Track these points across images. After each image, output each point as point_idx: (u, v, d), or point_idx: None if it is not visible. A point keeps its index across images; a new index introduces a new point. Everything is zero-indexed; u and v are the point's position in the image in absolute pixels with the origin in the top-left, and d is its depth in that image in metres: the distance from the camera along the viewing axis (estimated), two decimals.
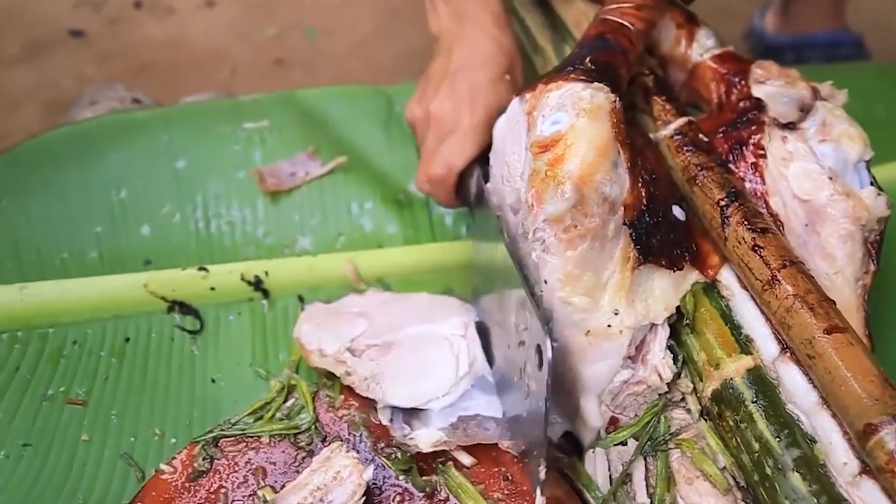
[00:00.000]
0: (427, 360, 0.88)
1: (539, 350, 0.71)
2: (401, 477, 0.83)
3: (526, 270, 0.80)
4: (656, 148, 0.81)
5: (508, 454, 0.84)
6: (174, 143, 1.16)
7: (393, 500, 0.82)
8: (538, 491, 0.75)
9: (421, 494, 0.82)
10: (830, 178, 0.77)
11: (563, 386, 0.80)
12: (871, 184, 0.78)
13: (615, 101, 0.73)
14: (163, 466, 0.84)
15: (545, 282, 0.73)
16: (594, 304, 0.73)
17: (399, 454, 0.84)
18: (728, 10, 0.82)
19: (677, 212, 0.77)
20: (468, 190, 0.95)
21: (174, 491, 0.83)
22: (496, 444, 0.84)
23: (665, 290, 0.75)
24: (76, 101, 1.50)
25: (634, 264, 0.73)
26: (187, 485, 0.83)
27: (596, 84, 0.73)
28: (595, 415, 0.77)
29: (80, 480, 0.87)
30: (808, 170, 0.78)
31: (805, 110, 0.81)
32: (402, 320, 0.94)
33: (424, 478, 0.83)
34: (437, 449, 0.83)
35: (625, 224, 0.73)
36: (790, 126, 0.81)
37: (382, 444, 0.86)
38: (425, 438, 0.83)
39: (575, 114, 0.71)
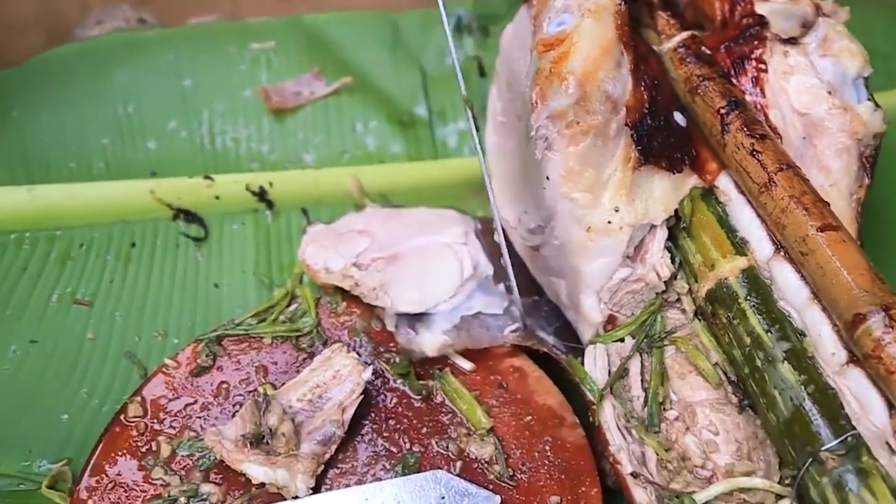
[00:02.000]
0: (432, 268, 0.90)
1: None
2: (398, 381, 0.85)
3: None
4: (660, 58, 0.82)
5: (504, 363, 0.86)
6: (181, 62, 1.17)
7: (390, 403, 0.84)
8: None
9: (418, 397, 0.84)
10: (829, 93, 0.78)
11: (561, 281, 0.82)
12: (869, 99, 0.79)
13: (620, 4, 0.74)
14: (167, 361, 0.86)
15: (547, 178, 0.75)
16: (595, 201, 0.75)
17: (398, 359, 0.86)
18: None
19: (678, 118, 0.78)
20: None
21: (178, 384, 0.85)
22: (494, 352, 0.86)
23: (665, 191, 0.77)
24: (81, 20, 1.50)
25: (635, 164, 0.75)
26: (191, 379, 0.86)
27: None
28: (594, 311, 0.79)
29: (84, 376, 0.90)
30: (808, 84, 0.79)
31: (807, 26, 0.82)
32: (404, 233, 0.95)
33: (421, 382, 0.85)
34: (442, 353, 0.85)
35: (626, 125, 0.75)
36: (792, 41, 0.81)
37: (382, 350, 0.88)
38: (430, 343, 0.85)
39: (580, 14, 0.73)
